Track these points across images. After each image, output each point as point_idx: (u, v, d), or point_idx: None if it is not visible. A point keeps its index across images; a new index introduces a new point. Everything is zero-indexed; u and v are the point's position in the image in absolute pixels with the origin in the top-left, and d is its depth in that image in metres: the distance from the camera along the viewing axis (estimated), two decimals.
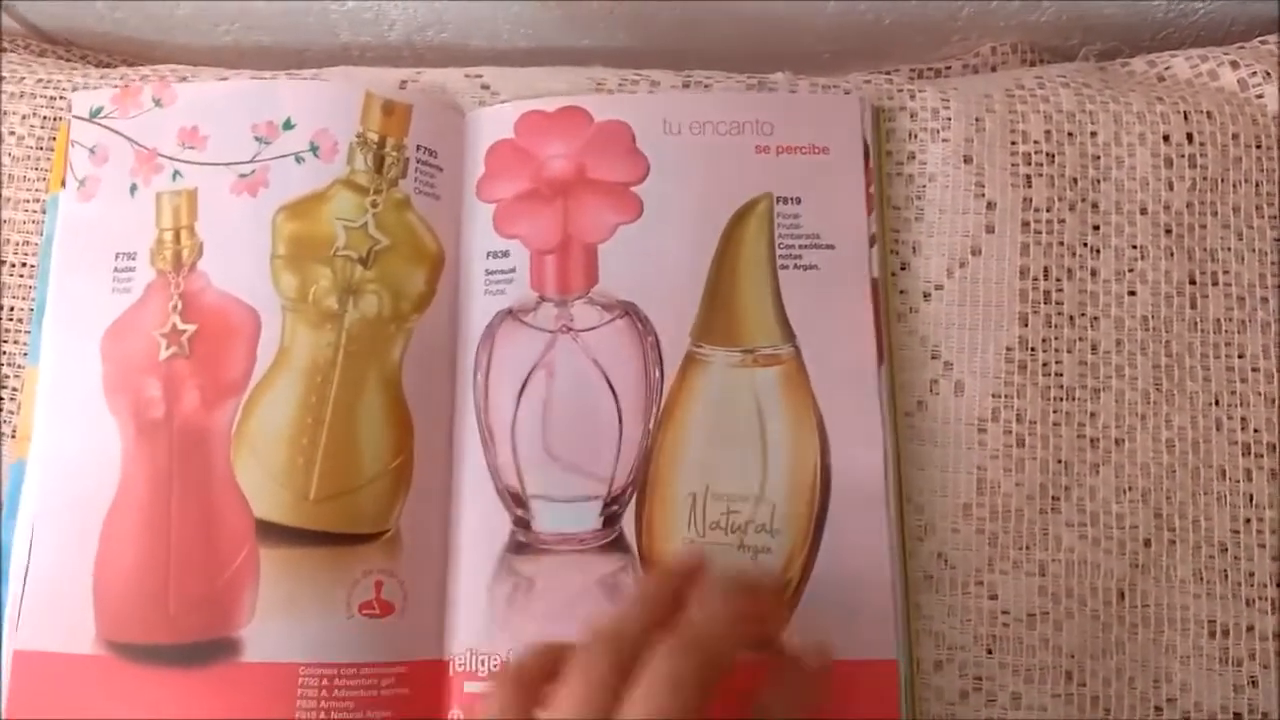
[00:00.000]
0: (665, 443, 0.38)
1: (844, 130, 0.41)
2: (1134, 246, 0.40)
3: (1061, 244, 0.40)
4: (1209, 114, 0.40)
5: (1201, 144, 0.40)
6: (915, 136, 0.41)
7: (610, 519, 0.38)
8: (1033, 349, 0.39)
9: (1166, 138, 0.40)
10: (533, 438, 0.38)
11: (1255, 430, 0.38)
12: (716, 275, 0.39)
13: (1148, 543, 0.37)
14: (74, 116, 0.41)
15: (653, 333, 0.39)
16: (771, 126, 0.40)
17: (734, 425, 0.38)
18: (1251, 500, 0.38)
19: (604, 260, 0.39)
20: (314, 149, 0.40)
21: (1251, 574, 0.37)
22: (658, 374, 0.39)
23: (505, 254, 0.40)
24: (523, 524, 0.38)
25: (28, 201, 0.42)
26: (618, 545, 0.38)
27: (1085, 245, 0.40)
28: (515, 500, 0.38)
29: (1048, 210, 0.40)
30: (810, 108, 0.41)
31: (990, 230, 0.40)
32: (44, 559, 0.37)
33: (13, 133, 0.43)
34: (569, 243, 0.40)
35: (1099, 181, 0.40)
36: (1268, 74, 0.41)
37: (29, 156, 0.43)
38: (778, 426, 0.38)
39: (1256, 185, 0.40)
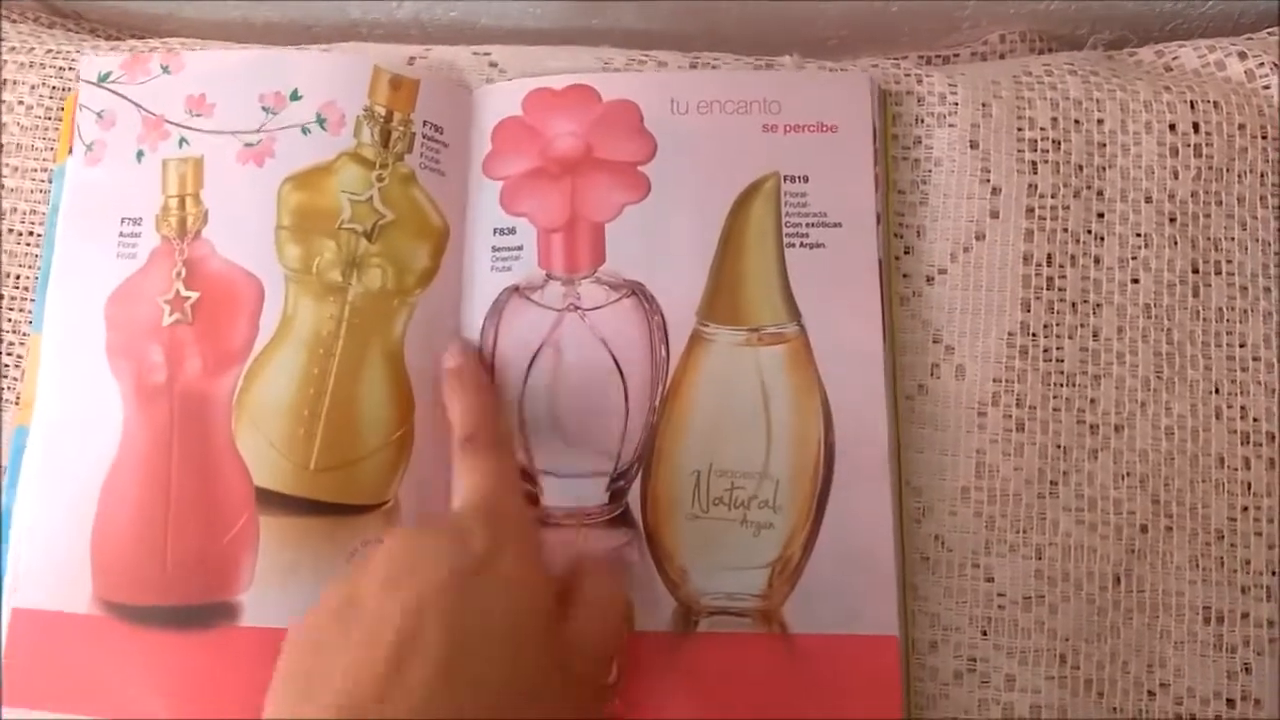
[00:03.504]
0: (670, 420, 0.38)
1: (853, 108, 0.40)
2: (1138, 234, 0.40)
3: (1065, 231, 0.40)
4: (1215, 104, 0.40)
5: (1207, 133, 0.40)
6: (922, 121, 0.41)
7: (616, 494, 0.38)
8: (1034, 334, 0.39)
9: (1173, 127, 0.40)
10: (540, 414, 0.39)
11: (1255, 419, 0.38)
12: (722, 254, 0.39)
13: (1145, 528, 0.37)
14: (83, 81, 0.41)
15: (659, 312, 0.39)
16: (779, 105, 0.40)
17: (738, 403, 0.38)
18: (1249, 488, 0.38)
19: (611, 239, 0.40)
20: (321, 121, 0.40)
21: (1248, 561, 0.37)
22: (664, 352, 0.39)
23: (512, 231, 0.40)
24: (531, 498, 0.38)
25: (35, 170, 0.42)
26: (623, 519, 0.38)
27: (1089, 232, 0.40)
28: (523, 475, 0.38)
29: (1052, 197, 0.40)
30: (818, 86, 0.41)
31: (995, 215, 0.40)
32: (42, 518, 0.37)
33: (21, 102, 0.43)
34: (576, 221, 0.40)
35: (1104, 169, 0.40)
36: (1275, 65, 0.41)
37: (37, 126, 0.43)
38: (782, 404, 0.38)
39: (1261, 176, 0.40)
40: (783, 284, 0.39)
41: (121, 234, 0.39)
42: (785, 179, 0.40)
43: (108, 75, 0.41)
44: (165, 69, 0.41)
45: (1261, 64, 0.41)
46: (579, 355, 0.39)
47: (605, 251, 0.39)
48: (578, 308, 0.39)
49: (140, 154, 0.40)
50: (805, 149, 0.40)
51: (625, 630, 0.34)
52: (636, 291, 0.39)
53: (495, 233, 0.40)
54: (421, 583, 0.29)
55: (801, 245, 0.39)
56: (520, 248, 0.40)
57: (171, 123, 0.40)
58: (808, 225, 0.39)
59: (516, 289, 0.40)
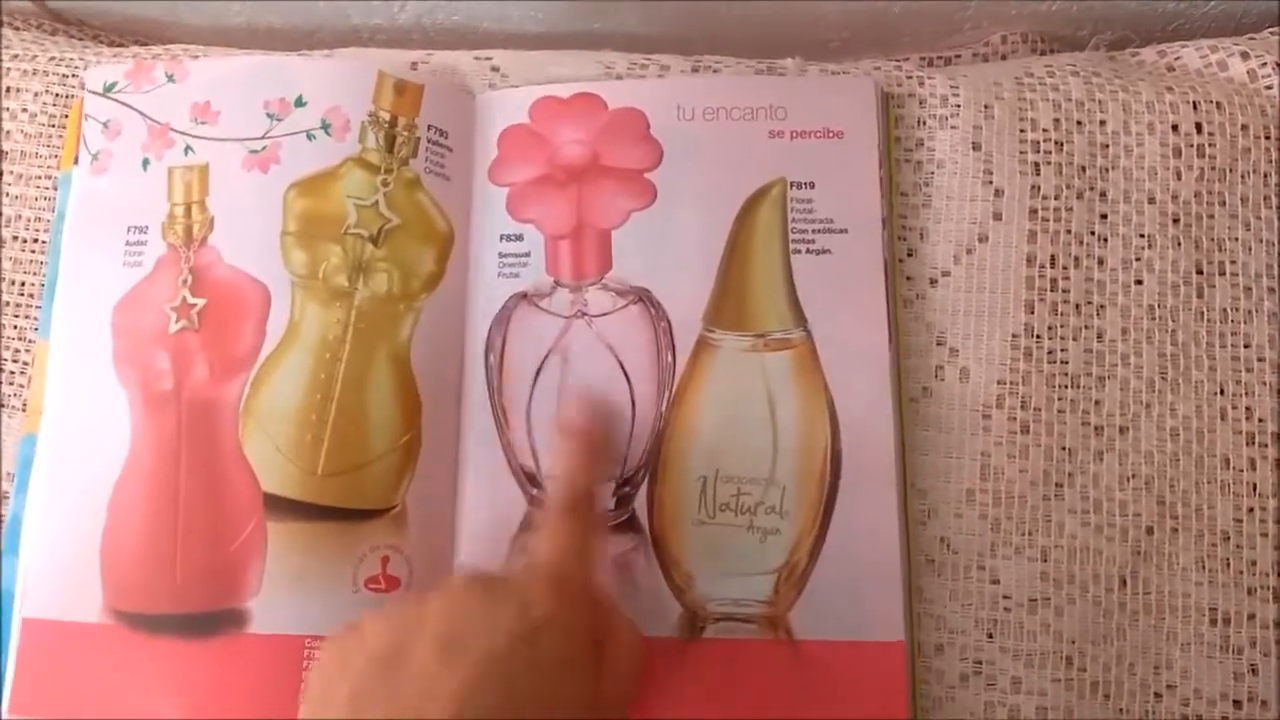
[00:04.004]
0: (677, 426, 0.38)
1: (858, 113, 0.41)
2: (1141, 235, 0.40)
3: (1069, 232, 0.40)
4: (1218, 104, 0.41)
5: (1210, 134, 0.40)
6: (924, 123, 0.41)
7: (623, 500, 0.38)
8: (1038, 336, 0.39)
9: (1175, 127, 0.40)
10: (548, 420, 0.39)
11: (1260, 420, 0.38)
12: (729, 260, 0.39)
13: (1150, 530, 0.38)
14: (88, 91, 0.41)
15: (665, 318, 0.39)
16: (785, 111, 0.41)
17: (745, 409, 0.38)
18: (1255, 489, 0.38)
19: (618, 246, 0.40)
20: (325, 127, 0.40)
21: (1253, 562, 0.37)
22: (670, 359, 0.39)
23: (519, 238, 0.40)
24: (538, 503, 0.38)
25: (39, 178, 0.43)
26: (630, 525, 0.38)
27: (1092, 234, 0.40)
28: (530, 480, 0.38)
29: (1055, 198, 0.40)
30: (824, 91, 0.41)
31: (998, 217, 0.40)
32: (52, 528, 0.37)
33: (25, 109, 0.43)
34: (583, 228, 0.40)
35: (1107, 170, 0.40)
36: (1278, 65, 0.41)
37: (41, 134, 0.43)
38: (788, 410, 0.38)
39: (1265, 176, 0.40)
40: (789, 290, 0.39)
41: (128, 242, 0.39)
42: (791, 185, 0.40)
43: (113, 85, 0.41)
44: (170, 77, 0.41)
45: (1264, 64, 0.41)
46: (586, 362, 0.39)
47: (612, 258, 0.40)
48: (585, 314, 0.39)
49: (146, 162, 0.40)
50: (811, 155, 0.40)
51: (641, 675, 0.33)
52: (643, 298, 0.39)
53: (502, 239, 0.40)
54: (477, 659, 0.28)
55: (808, 251, 0.39)
56: (528, 254, 0.40)
57: (177, 131, 0.40)
58: (814, 231, 0.39)
59: (524, 296, 0.40)
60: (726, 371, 0.39)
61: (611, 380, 0.39)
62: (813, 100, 0.41)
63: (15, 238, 0.42)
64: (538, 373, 0.39)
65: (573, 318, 0.39)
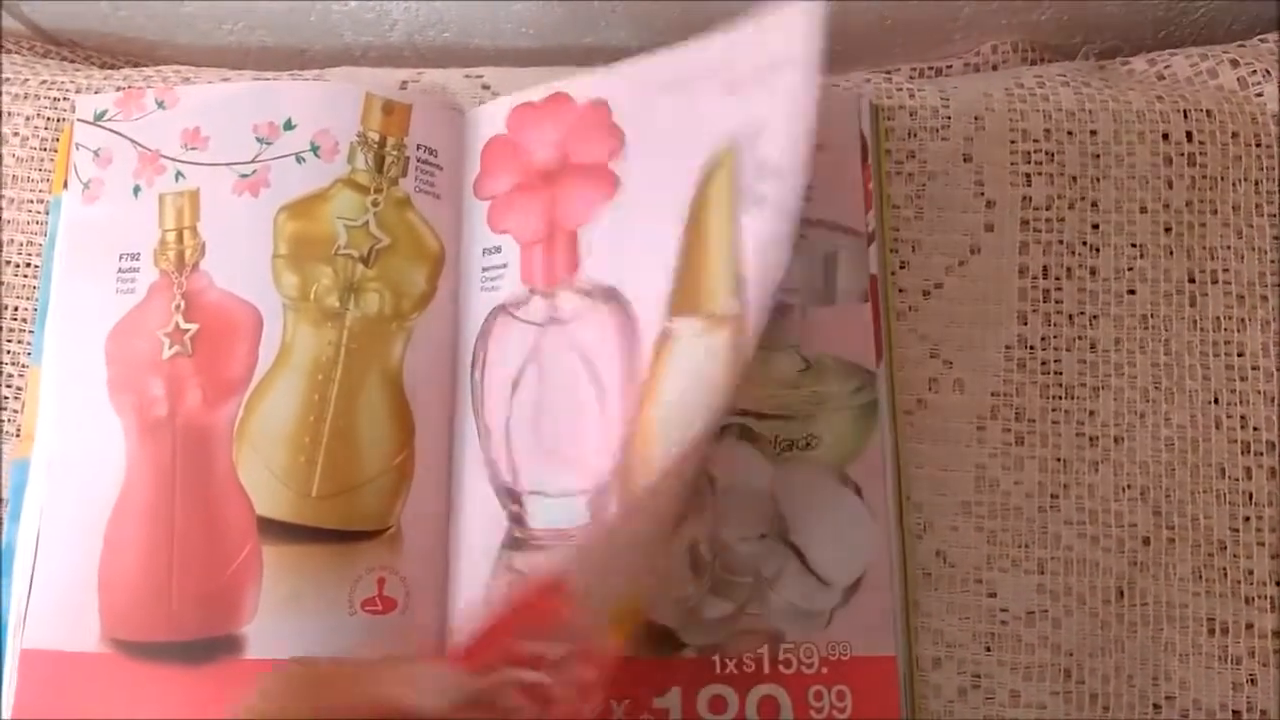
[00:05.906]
0: (641, 430, 0.36)
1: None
2: (1133, 245, 0.40)
3: (1061, 242, 0.40)
4: (1209, 112, 0.40)
5: (1201, 142, 0.40)
6: (915, 135, 0.41)
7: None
8: (1032, 347, 0.39)
9: (1166, 136, 0.40)
10: (526, 433, 0.38)
11: (1255, 428, 0.38)
12: (686, 241, 0.36)
13: (1146, 541, 0.37)
14: (78, 119, 0.41)
15: (634, 316, 0.37)
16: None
17: (703, 401, 0.33)
18: (1251, 498, 0.38)
19: (585, 244, 0.38)
20: (315, 149, 0.40)
21: (1251, 572, 0.37)
22: (640, 359, 0.37)
23: (498, 249, 0.40)
24: (518, 520, 0.38)
25: (31, 202, 0.43)
26: None
27: (1085, 244, 0.40)
28: (511, 496, 0.38)
29: (1047, 209, 0.40)
30: None
31: (990, 229, 0.40)
32: (50, 558, 0.37)
33: (16, 134, 0.43)
34: (553, 231, 0.39)
35: (1099, 180, 0.40)
36: (1268, 72, 0.41)
37: (32, 157, 0.43)
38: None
39: (1256, 184, 0.40)
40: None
41: (120, 270, 0.39)
42: None
43: (104, 113, 0.41)
44: (160, 104, 0.41)
45: (1254, 71, 0.41)
46: (560, 369, 0.38)
47: (580, 258, 0.38)
48: (555, 319, 0.39)
49: (137, 189, 0.40)
50: None
51: None
52: (612, 297, 0.38)
53: (484, 253, 0.40)
54: None
55: None
56: (505, 265, 0.40)
57: (167, 157, 0.40)
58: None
59: (503, 308, 0.39)
60: (683, 362, 0.35)
61: (585, 387, 0.38)
62: None
63: (8, 262, 0.42)
64: (515, 385, 0.39)
65: (546, 325, 0.39)
